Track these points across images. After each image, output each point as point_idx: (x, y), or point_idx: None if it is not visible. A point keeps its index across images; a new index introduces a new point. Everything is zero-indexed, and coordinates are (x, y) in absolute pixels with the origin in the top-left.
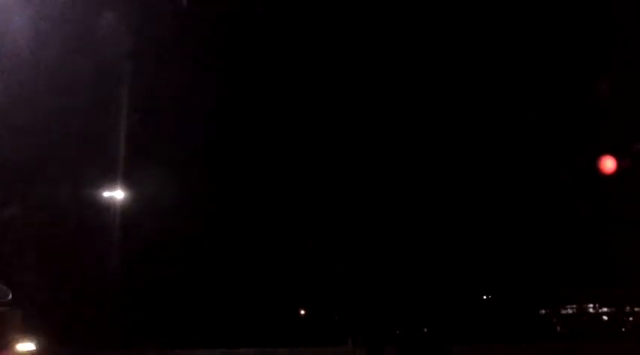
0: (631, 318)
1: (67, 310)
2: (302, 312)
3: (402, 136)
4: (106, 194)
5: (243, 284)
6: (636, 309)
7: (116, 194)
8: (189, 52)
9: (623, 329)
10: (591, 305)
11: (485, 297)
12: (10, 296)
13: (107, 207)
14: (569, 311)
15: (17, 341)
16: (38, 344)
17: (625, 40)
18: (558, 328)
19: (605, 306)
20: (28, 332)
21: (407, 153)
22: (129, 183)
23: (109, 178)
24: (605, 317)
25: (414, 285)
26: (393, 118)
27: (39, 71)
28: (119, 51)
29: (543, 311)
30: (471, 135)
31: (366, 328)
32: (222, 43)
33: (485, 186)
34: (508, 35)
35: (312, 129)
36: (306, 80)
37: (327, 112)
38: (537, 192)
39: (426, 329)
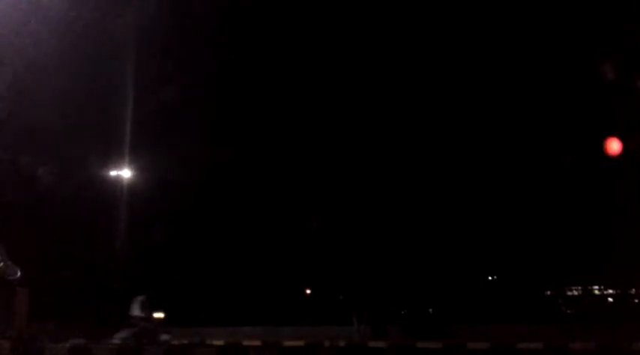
0: (636, 300)
1: (75, 287)
2: (307, 291)
3: (406, 117)
4: (113, 173)
5: (250, 263)
6: None
7: (123, 173)
8: (193, 33)
9: (628, 311)
10: (597, 287)
11: (490, 278)
12: (19, 273)
13: (114, 185)
14: (575, 292)
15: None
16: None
17: (629, 26)
18: (563, 309)
19: (610, 288)
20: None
21: (410, 133)
22: (135, 162)
23: (115, 158)
24: (610, 299)
25: (419, 266)
26: (398, 98)
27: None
28: (126, 32)
29: (548, 293)
30: (477, 118)
31: (371, 307)
32: (226, 24)
33: (491, 168)
34: (511, 19)
35: (318, 113)
36: (311, 63)
37: (336, 96)
38: (543, 175)
39: (430, 310)
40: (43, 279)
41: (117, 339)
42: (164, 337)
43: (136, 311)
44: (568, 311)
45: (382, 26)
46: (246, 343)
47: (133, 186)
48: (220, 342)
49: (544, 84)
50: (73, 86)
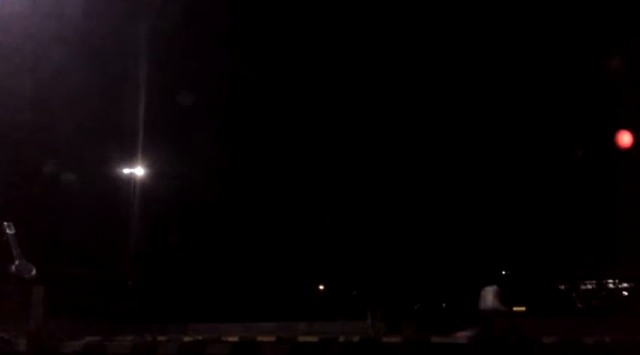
0: None
1: (90, 284)
2: (321, 287)
3: (418, 114)
4: (127, 170)
5: (263, 259)
6: None
7: (136, 170)
8: (204, 30)
9: None
10: (611, 281)
11: (503, 273)
12: (35, 271)
13: (127, 183)
14: (589, 286)
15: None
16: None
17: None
18: (578, 303)
19: (625, 282)
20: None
21: (423, 130)
22: (149, 160)
23: (130, 156)
24: (625, 293)
25: (433, 261)
26: (413, 93)
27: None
28: (137, 30)
29: (562, 287)
30: (487, 112)
31: (385, 303)
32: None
33: (503, 161)
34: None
35: (330, 107)
36: (327, 63)
37: (352, 94)
38: (556, 168)
39: (444, 304)
40: (58, 277)
41: (463, 338)
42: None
43: (488, 303)
44: (581, 306)
45: (395, 27)
46: (260, 339)
47: (147, 184)
48: (234, 338)
49: (555, 78)
50: (90, 88)
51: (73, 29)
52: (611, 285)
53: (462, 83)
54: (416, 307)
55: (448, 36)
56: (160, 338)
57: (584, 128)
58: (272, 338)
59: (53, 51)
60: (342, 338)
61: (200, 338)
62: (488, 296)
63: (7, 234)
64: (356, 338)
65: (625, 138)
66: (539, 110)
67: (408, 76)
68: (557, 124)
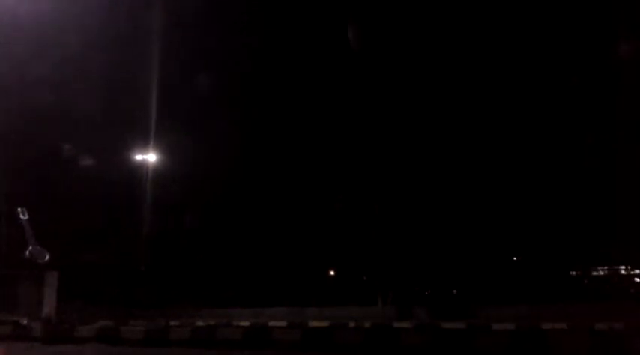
0: None
1: (103, 269)
2: (332, 273)
3: (428, 100)
4: (139, 157)
5: (274, 245)
6: None
7: (149, 157)
8: (218, 21)
9: None
10: (622, 267)
11: (515, 259)
12: (48, 257)
13: (140, 169)
14: (601, 272)
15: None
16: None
17: None
18: (589, 289)
19: (637, 268)
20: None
21: (433, 117)
22: (162, 146)
23: (143, 142)
24: (637, 279)
25: (444, 246)
26: (429, 80)
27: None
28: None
29: (574, 273)
30: (500, 97)
31: (396, 288)
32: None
33: (515, 148)
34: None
35: (342, 94)
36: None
37: (363, 79)
38: (568, 154)
39: (454, 290)
40: (71, 262)
41: None
42: None
43: None
44: (593, 292)
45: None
46: (271, 324)
47: (159, 170)
48: (246, 323)
49: (569, 64)
50: (104, 72)
51: (89, 14)
52: (622, 271)
53: (466, 72)
54: (427, 292)
55: (459, 18)
56: (173, 322)
57: (595, 115)
58: (283, 323)
59: (69, 36)
60: (352, 324)
61: (212, 322)
62: None
63: (20, 219)
64: (367, 324)
65: None
66: (551, 98)
67: (420, 61)
68: (569, 112)
